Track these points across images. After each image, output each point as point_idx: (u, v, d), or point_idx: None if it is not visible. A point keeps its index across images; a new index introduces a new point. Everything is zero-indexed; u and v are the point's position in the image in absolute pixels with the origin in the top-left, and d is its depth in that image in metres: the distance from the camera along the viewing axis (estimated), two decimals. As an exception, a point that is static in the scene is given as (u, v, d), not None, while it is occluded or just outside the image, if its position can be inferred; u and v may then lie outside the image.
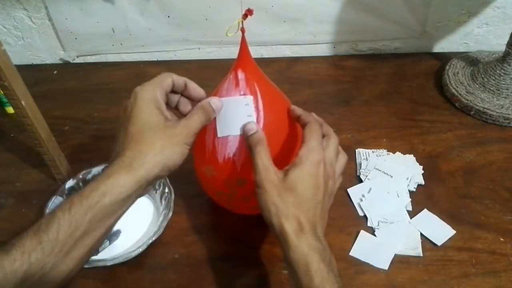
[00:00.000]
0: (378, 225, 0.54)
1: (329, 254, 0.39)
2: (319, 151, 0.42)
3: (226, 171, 0.47)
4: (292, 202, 0.40)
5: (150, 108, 0.42)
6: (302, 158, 0.41)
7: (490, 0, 0.79)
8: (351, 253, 0.52)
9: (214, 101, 0.45)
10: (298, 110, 0.48)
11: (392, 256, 0.51)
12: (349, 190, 0.59)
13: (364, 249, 0.52)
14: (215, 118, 0.47)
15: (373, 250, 0.52)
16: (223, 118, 0.47)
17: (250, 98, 0.46)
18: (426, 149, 0.65)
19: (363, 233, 0.54)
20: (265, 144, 0.43)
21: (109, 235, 0.53)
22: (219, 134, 0.46)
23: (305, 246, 0.38)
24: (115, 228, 0.54)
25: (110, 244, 0.53)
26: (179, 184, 0.58)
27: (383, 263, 0.51)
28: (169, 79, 0.45)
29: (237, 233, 0.55)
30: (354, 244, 0.53)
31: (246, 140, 0.44)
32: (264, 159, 0.42)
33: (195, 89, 0.46)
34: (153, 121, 0.41)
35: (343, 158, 0.46)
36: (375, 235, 0.53)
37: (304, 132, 0.44)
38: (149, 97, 0.43)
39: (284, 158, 0.49)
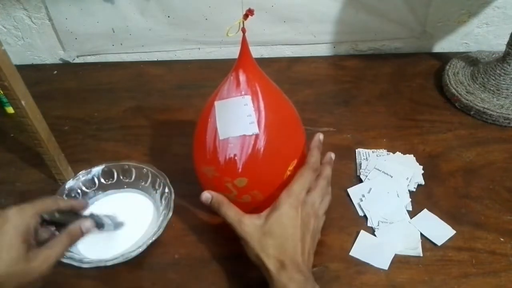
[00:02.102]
0: (378, 225, 0.54)
1: (311, 283, 0.42)
2: (299, 195, 0.46)
3: (227, 171, 0.47)
4: (271, 244, 0.44)
5: (15, 243, 0.39)
6: (281, 202, 0.45)
7: (490, 0, 0.79)
8: (351, 253, 0.52)
9: (86, 225, 0.46)
10: (315, 143, 0.51)
11: (392, 256, 0.51)
12: (349, 190, 0.59)
13: (364, 249, 0.52)
14: (216, 119, 0.47)
15: (373, 250, 0.52)
16: (224, 120, 0.47)
17: (248, 98, 0.46)
18: (426, 149, 0.65)
19: (363, 233, 0.54)
20: (226, 203, 0.48)
21: (116, 223, 0.53)
22: (221, 137, 0.46)
23: (285, 279, 0.41)
24: (120, 219, 0.54)
25: (114, 229, 0.53)
26: (179, 184, 0.58)
27: (383, 263, 0.51)
28: (54, 206, 0.45)
29: (237, 233, 0.55)
30: (354, 244, 0.53)
31: (210, 207, 0.49)
32: (233, 216, 0.46)
33: (79, 205, 0.49)
34: (11, 258, 0.38)
35: (328, 198, 0.50)
36: (375, 235, 0.53)
37: (296, 173, 0.48)
38: (20, 228, 0.41)
39: (288, 157, 0.49)
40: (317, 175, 0.49)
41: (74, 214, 0.48)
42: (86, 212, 0.52)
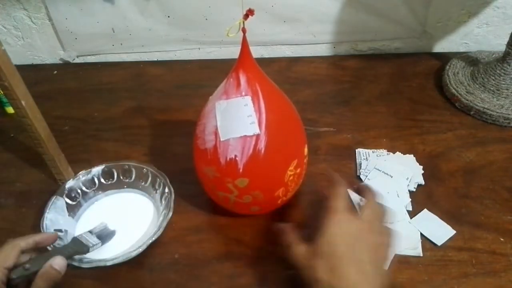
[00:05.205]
0: (378, 225, 0.54)
1: None
2: (342, 210, 0.42)
3: (228, 172, 0.47)
4: (321, 268, 0.39)
5: None
6: (325, 221, 0.42)
7: (490, 0, 0.79)
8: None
9: (56, 261, 0.43)
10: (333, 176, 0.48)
11: (392, 256, 0.51)
12: (349, 190, 0.59)
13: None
14: (216, 120, 0.47)
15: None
16: (224, 120, 0.47)
17: (248, 99, 0.46)
18: (426, 149, 0.65)
19: (363, 233, 0.54)
20: (288, 231, 0.45)
21: (103, 235, 0.53)
22: (222, 138, 0.46)
23: None
24: (111, 228, 0.54)
25: (102, 244, 0.52)
26: (179, 184, 0.58)
27: (383, 263, 0.50)
28: (14, 252, 0.42)
29: (237, 233, 0.55)
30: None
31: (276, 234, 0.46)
32: (288, 240, 0.44)
33: (46, 239, 0.46)
34: None
35: (382, 209, 0.46)
36: (375, 235, 0.53)
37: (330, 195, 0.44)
38: None
39: (288, 157, 0.49)
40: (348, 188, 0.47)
41: (45, 257, 0.45)
42: (65, 237, 0.51)
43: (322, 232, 0.41)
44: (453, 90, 0.72)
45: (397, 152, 0.64)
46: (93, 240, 0.51)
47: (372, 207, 0.45)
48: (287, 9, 0.81)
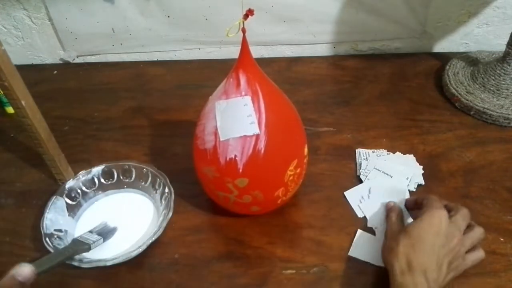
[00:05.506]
0: (378, 225, 0.54)
1: None
2: (439, 208, 0.47)
3: (228, 172, 0.47)
4: (404, 242, 0.45)
5: None
6: (424, 212, 0.47)
7: (490, 0, 0.79)
8: (350, 253, 0.52)
9: (20, 272, 0.38)
10: (411, 199, 0.55)
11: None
12: (349, 190, 0.59)
13: (364, 249, 0.52)
14: (216, 120, 0.47)
15: (373, 249, 0.52)
16: (224, 120, 0.47)
17: (248, 98, 0.46)
18: (426, 149, 0.65)
19: (362, 233, 0.54)
20: (396, 211, 0.52)
21: (104, 232, 0.53)
22: (222, 138, 0.46)
23: (410, 284, 0.41)
24: (112, 225, 0.54)
25: (104, 241, 0.53)
26: (179, 184, 0.58)
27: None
28: None
29: (237, 233, 0.55)
30: (354, 244, 0.53)
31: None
32: (392, 220, 0.51)
33: None
34: None
35: (478, 230, 0.48)
36: (374, 235, 0.53)
37: (424, 205, 0.49)
38: None
39: (288, 157, 0.49)
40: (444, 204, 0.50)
41: (47, 259, 0.44)
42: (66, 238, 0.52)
43: (419, 219, 0.46)
44: (453, 90, 0.72)
45: (397, 152, 0.64)
46: (94, 237, 0.51)
47: (462, 215, 0.48)
48: (287, 9, 0.81)
